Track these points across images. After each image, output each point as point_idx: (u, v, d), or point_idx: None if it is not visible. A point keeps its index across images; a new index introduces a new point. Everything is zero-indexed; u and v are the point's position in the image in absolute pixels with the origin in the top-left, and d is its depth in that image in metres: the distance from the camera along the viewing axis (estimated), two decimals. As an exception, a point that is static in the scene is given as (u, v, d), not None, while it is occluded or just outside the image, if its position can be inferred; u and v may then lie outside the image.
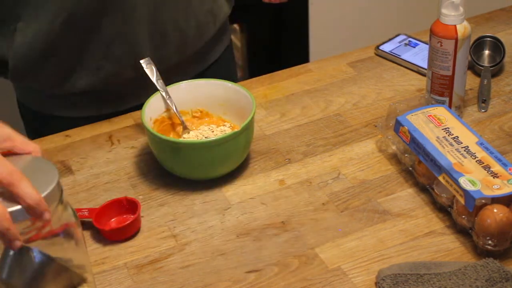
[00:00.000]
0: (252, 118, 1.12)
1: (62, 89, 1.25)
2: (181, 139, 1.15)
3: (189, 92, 1.20)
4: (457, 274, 0.95)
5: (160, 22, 1.24)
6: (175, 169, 1.14)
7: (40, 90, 1.29)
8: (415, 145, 1.10)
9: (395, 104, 1.19)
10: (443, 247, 1.01)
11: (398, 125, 1.14)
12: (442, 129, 1.12)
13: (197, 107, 1.21)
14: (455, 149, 1.07)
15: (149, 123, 1.14)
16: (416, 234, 1.04)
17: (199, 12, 1.29)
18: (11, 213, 0.75)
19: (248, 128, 1.12)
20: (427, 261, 0.98)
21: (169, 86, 1.19)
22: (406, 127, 1.12)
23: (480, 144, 1.08)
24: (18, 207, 0.76)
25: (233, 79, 1.41)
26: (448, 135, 1.10)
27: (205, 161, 1.11)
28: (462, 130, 1.11)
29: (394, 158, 1.18)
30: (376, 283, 0.96)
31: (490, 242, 0.97)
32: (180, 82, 1.20)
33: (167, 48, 1.26)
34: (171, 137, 1.18)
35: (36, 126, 1.38)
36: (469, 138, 1.10)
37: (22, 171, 0.80)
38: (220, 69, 1.42)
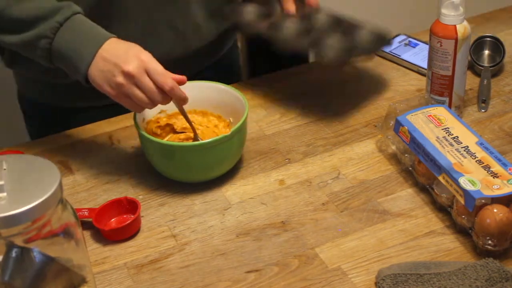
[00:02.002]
0: (245, 120, 1.12)
1: (54, 78, 1.25)
2: (173, 142, 1.14)
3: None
4: (457, 274, 0.95)
5: (154, 22, 1.24)
6: (168, 172, 1.14)
7: (40, 79, 1.29)
8: (415, 145, 1.10)
9: (395, 104, 1.19)
10: (443, 247, 1.02)
11: (398, 125, 1.14)
12: (442, 129, 1.12)
13: (192, 109, 1.21)
14: (455, 149, 1.07)
15: (142, 124, 1.13)
16: (416, 234, 1.04)
17: (198, 15, 1.29)
18: (13, 215, 0.75)
19: (241, 130, 1.12)
20: (427, 261, 0.98)
21: None
22: (406, 127, 1.12)
23: (480, 144, 1.08)
24: (20, 209, 0.76)
25: (233, 79, 1.41)
26: (448, 135, 1.10)
27: (198, 164, 1.11)
28: (462, 130, 1.11)
29: (394, 158, 1.18)
30: (376, 283, 0.96)
31: (490, 242, 0.97)
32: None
33: (162, 47, 1.26)
34: (167, 139, 1.17)
35: (37, 119, 1.38)
36: (469, 138, 1.10)
37: (23, 171, 0.81)
38: (220, 69, 1.42)
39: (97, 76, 1.06)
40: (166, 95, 1.06)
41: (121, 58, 1.05)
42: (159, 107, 1.17)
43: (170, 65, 1.22)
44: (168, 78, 1.05)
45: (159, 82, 1.05)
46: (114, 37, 1.09)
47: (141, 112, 1.11)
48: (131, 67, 1.04)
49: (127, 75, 1.04)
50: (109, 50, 1.07)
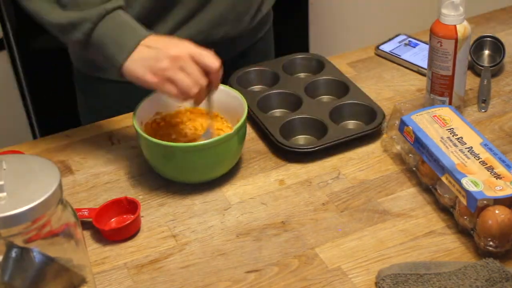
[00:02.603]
0: (244, 121, 1.12)
1: None
2: (173, 143, 1.14)
3: None
4: (457, 274, 0.95)
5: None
6: (168, 173, 1.14)
7: None
8: (419, 145, 1.10)
9: (400, 104, 1.19)
10: (443, 247, 1.01)
11: (402, 125, 1.14)
12: (447, 130, 1.12)
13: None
14: (459, 150, 1.07)
15: (140, 127, 1.13)
16: (416, 234, 1.04)
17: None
18: (13, 215, 0.75)
19: (240, 131, 1.12)
20: (427, 261, 0.98)
21: None
22: (410, 127, 1.12)
23: (485, 145, 1.08)
24: (20, 209, 0.76)
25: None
26: (453, 136, 1.10)
27: (198, 165, 1.11)
28: (467, 131, 1.11)
29: (397, 158, 1.18)
30: (376, 283, 0.96)
31: (491, 243, 0.97)
32: None
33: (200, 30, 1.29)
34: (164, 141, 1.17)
35: (91, 91, 1.38)
36: (473, 139, 1.10)
37: (23, 171, 0.80)
38: (256, 53, 1.45)
39: (137, 65, 1.07)
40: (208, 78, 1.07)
41: (166, 44, 1.07)
42: (154, 110, 1.17)
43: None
44: (215, 59, 1.07)
45: (207, 62, 1.06)
46: (154, 34, 1.10)
47: (184, 101, 1.10)
48: (177, 50, 1.06)
49: (173, 59, 1.05)
50: (152, 40, 1.08)
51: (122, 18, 1.09)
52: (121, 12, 1.09)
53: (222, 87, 1.19)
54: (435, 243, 1.02)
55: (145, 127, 1.16)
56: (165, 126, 1.19)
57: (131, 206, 1.08)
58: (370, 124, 1.22)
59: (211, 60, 1.06)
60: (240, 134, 1.12)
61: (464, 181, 1.01)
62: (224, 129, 1.19)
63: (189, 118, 1.20)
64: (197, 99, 1.08)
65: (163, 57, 1.05)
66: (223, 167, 1.14)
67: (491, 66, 1.37)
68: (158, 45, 1.07)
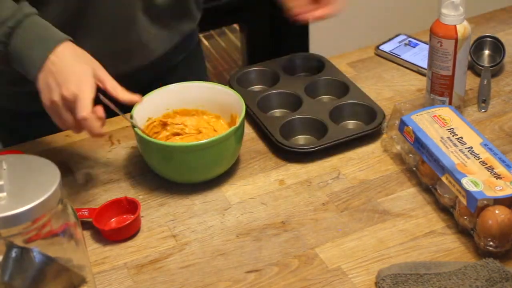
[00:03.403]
0: (243, 120, 1.12)
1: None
2: (171, 142, 1.14)
3: (180, 94, 1.20)
4: (457, 274, 0.95)
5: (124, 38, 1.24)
6: (167, 173, 1.14)
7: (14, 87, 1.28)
8: (419, 145, 1.10)
9: (400, 104, 1.19)
10: (443, 247, 1.01)
11: (402, 125, 1.14)
12: (447, 130, 1.12)
13: (193, 109, 1.21)
14: (459, 150, 1.07)
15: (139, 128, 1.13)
16: (416, 234, 1.04)
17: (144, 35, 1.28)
18: (13, 215, 0.75)
19: (238, 130, 1.12)
20: (427, 261, 0.98)
21: (159, 88, 1.18)
22: (410, 127, 1.12)
23: (485, 145, 1.08)
24: (20, 209, 0.76)
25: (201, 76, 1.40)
26: (453, 136, 1.10)
27: (196, 164, 1.11)
28: (467, 131, 1.11)
29: (397, 158, 1.18)
30: (376, 283, 0.96)
31: (491, 243, 0.97)
32: (170, 85, 1.20)
33: (130, 63, 1.27)
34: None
35: (13, 126, 1.37)
36: (473, 139, 1.10)
37: (23, 171, 0.81)
38: (184, 70, 1.42)
39: (41, 86, 1.06)
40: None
41: (64, 78, 1.04)
42: (147, 115, 1.17)
43: (126, 75, 1.20)
44: (84, 110, 1.03)
45: (76, 109, 1.03)
46: (65, 40, 1.07)
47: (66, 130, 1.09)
48: (68, 92, 1.03)
49: (63, 98, 1.04)
50: (57, 63, 1.05)
51: (28, 30, 1.06)
52: (28, 21, 1.06)
53: (220, 86, 1.20)
54: (435, 243, 1.02)
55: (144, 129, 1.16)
56: (162, 127, 1.19)
57: (131, 206, 1.08)
58: (370, 124, 1.22)
59: (80, 109, 1.02)
60: (237, 133, 1.12)
61: (464, 181, 1.01)
62: (220, 129, 1.19)
63: (176, 120, 1.20)
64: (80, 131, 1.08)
65: (57, 93, 1.04)
66: (221, 166, 1.14)
67: (491, 66, 1.37)
68: (57, 76, 1.04)
